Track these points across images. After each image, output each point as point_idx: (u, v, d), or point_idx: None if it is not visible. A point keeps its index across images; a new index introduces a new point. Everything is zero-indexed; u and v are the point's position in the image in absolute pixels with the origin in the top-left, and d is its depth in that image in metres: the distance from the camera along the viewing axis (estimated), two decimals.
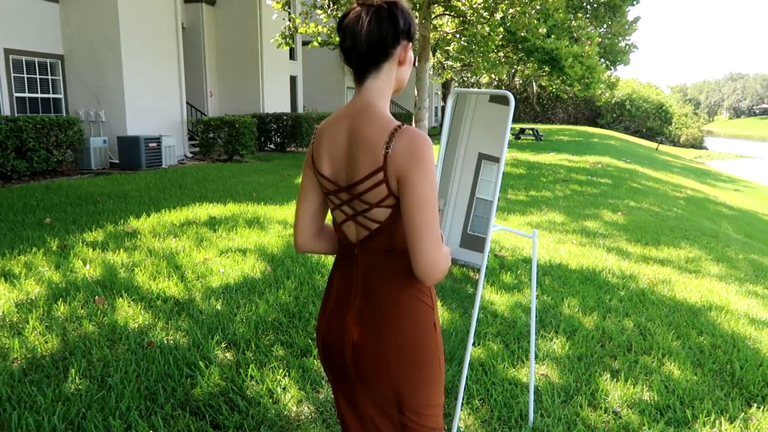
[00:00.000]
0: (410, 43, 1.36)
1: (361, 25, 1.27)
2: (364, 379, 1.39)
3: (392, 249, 1.35)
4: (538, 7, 13.59)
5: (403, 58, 1.35)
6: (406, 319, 1.36)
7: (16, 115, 10.52)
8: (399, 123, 1.29)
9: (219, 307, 3.74)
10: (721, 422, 2.70)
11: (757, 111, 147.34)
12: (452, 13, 14.60)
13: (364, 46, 1.28)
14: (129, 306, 3.71)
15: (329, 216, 1.49)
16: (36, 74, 11.42)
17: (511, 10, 13.26)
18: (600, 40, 22.21)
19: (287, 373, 2.93)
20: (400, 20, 1.29)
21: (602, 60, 23.47)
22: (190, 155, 14.36)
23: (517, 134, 27.24)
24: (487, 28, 13.87)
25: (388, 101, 1.37)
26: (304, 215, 1.47)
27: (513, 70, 30.76)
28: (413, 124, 10.52)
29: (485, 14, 13.39)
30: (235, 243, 5.29)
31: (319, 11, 13.74)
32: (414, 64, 1.55)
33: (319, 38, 14.85)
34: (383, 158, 1.25)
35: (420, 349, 1.36)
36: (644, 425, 2.65)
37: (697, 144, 50.96)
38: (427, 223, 1.24)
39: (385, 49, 1.30)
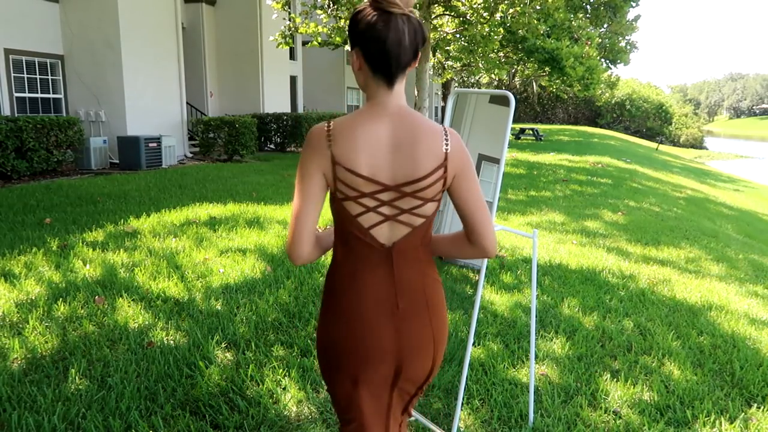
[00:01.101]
0: None
1: (402, 33, 1.32)
2: (408, 371, 1.44)
3: (422, 243, 1.43)
4: (538, 7, 13.59)
5: (415, 63, 1.42)
6: (440, 304, 1.47)
7: (16, 115, 10.52)
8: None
9: (219, 307, 3.74)
10: (721, 422, 2.70)
11: (757, 111, 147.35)
12: (452, 13, 14.60)
13: (410, 53, 1.34)
14: (129, 306, 3.71)
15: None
16: (36, 74, 11.42)
17: (511, 10, 13.26)
18: (600, 40, 22.20)
19: (287, 373, 2.93)
20: (423, 28, 1.37)
21: (602, 60, 23.47)
22: (190, 155, 14.36)
23: (517, 134, 27.24)
24: (487, 28, 13.88)
25: None
26: (308, 225, 1.39)
27: (513, 70, 30.75)
28: None
29: (485, 14, 13.39)
30: (235, 243, 5.29)
31: (319, 11, 13.74)
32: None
33: (319, 38, 14.85)
34: (445, 155, 1.35)
35: (446, 327, 1.49)
36: (644, 425, 2.65)
37: (697, 144, 50.99)
38: (485, 206, 1.41)
39: (416, 55, 1.37)
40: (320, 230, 1.56)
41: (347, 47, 15.10)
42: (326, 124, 1.36)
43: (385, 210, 1.36)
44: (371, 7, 1.33)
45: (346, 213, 1.38)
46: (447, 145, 1.36)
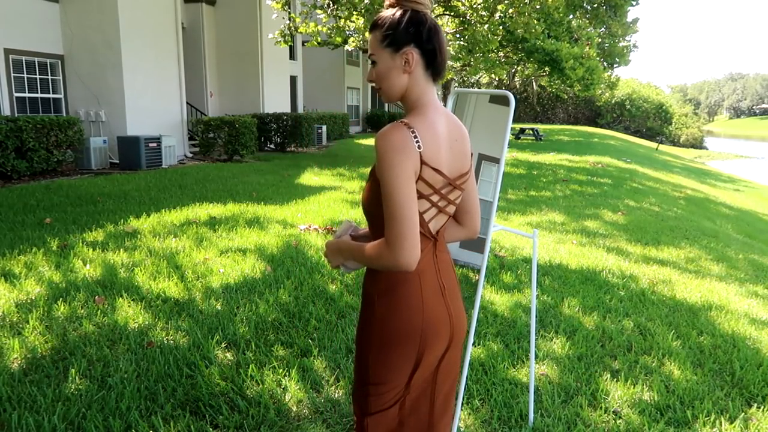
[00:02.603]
0: None
1: None
2: (457, 340, 1.55)
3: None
4: (537, 7, 13.59)
5: None
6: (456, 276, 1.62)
7: (16, 115, 10.51)
8: None
9: (219, 307, 3.74)
10: (721, 422, 2.70)
11: (757, 111, 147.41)
12: (452, 13, 14.60)
13: None
14: (129, 306, 3.71)
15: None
16: (36, 74, 11.42)
17: (510, 10, 13.26)
18: (600, 40, 22.19)
19: (287, 373, 2.93)
20: None
21: (602, 61, 23.46)
22: (190, 155, 14.36)
23: (517, 134, 27.24)
24: (486, 27, 13.89)
25: None
26: (417, 228, 1.35)
27: (513, 70, 30.76)
28: None
29: (485, 14, 13.39)
30: (235, 243, 5.29)
31: (319, 11, 13.74)
32: None
33: (319, 38, 14.84)
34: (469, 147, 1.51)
35: None
36: (644, 425, 2.65)
37: (697, 144, 50.96)
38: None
39: None
40: (360, 230, 1.62)
41: (347, 47, 15.09)
42: (406, 126, 1.36)
43: (440, 203, 1.44)
44: (410, 6, 1.40)
45: None
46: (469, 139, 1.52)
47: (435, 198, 1.42)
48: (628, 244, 6.39)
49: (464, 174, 1.47)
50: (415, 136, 1.34)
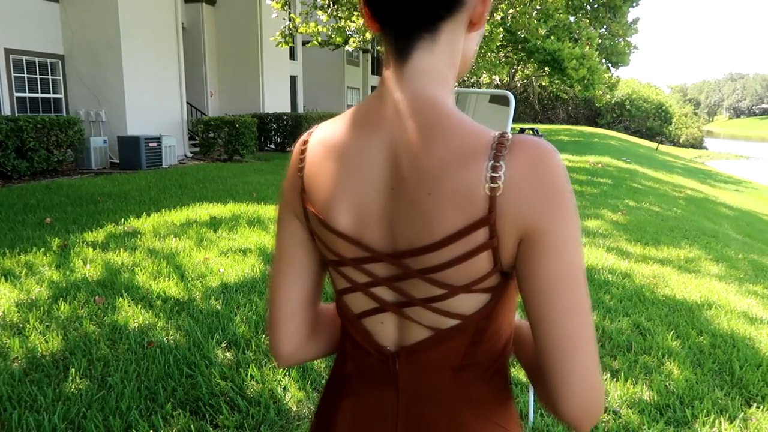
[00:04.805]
0: None
1: None
2: None
3: (468, 363, 0.77)
4: (538, 7, 13.61)
5: None
6: None
7: (16, 114, 10.52)
8: (496, 131, 0.68)
9: (219, 307, 3.75)
10: (720, 422, 2.71)
11: (757, 111, 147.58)
12: None
13: None
14: (129, 306, 3.71)
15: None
16: (36, 74, 11.43)
17: (510, 11, 13.26)
18: (600, 41, 22.19)
19: (287, 373, 2.94)
20: None
21: (603, 61, 23.46)
22: (190, 155, 14.36)
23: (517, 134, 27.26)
24: (486, 27, 13.90)
25: None
26: (292, 302, 0.83)
27: (513, 70, 30.78)
28: None
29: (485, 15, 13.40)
30: (236, 243, 5.30)
31: (319, 11, 13.75)
32: None
33: (319, 38, 14.85)
34: (488, 201, 0.65)
35: None
36: (644, 425, 2.65)
37: (696, 144, 51.02)
38: (585, 320, 0.69)
39: None
40: None
41: (347, 47, 15.08)
42: (308, 134, 0.90)
43: (382, 293, 0.78)
44: None
45: None
46: (495, 180, 0.68)
47: (358, 276, 0.78)
48: (628, 244, 6.39)
49: (425, 249, 0.70)
50: (300, 150, 0.86)
